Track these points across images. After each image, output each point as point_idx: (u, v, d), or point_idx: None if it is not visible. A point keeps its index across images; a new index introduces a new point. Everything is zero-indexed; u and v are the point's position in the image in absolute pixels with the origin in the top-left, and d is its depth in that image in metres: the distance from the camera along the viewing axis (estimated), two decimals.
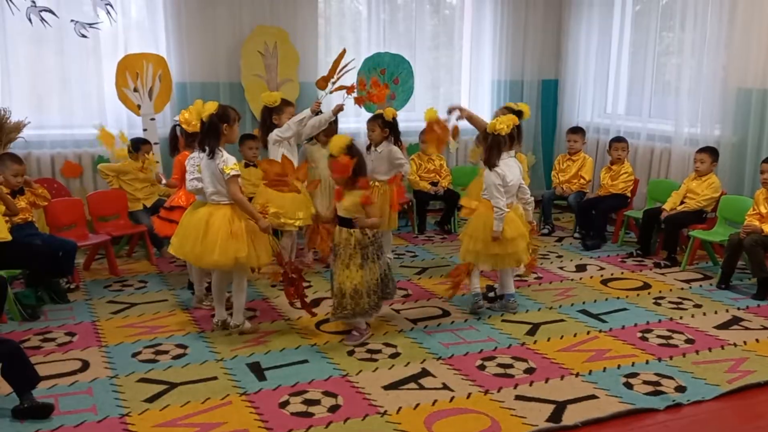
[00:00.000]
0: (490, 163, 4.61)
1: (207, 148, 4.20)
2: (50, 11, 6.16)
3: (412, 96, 7.54)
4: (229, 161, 4.20)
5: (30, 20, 6.10)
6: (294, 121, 5.36)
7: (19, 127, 5.95)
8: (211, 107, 4.19)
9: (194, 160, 4.38)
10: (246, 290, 4.52)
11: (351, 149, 4.16)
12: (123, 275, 5.66)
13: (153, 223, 5.35)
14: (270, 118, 5.49)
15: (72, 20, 6.25)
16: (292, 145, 5.48)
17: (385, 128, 5.68)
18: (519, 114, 4.95)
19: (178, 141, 5.15)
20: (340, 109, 5.47)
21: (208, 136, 4.20)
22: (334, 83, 5.43)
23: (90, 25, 6.32)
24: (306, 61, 7.11)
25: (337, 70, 5.43)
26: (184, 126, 4.57)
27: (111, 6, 6.36)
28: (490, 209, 4.59)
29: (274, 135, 5.35)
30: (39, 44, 6.33)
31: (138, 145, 6.09)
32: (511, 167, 4.71)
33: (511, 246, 4.63)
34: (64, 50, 6.37)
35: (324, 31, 7.33)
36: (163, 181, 5.64)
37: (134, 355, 4.13)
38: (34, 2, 6.10)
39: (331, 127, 5.68)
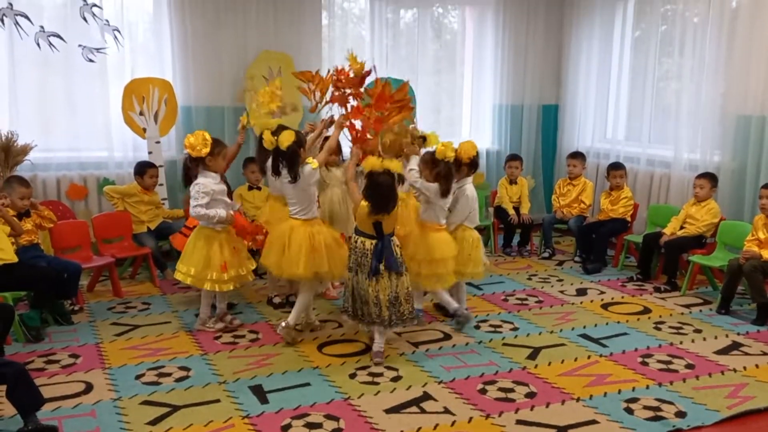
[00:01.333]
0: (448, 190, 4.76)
1: (293, 173, 4.51)
2: (58, 36, 6.26)
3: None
4: (308, 165, 4.54)
5: (38, 45, 6.20)
6: None
7: (26, 150, 6.03)
8: (289, 137, 4.45)
9: (200, 187, 4.55)
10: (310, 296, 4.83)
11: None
12: (126, 297, 5.70)
13: (174, 239, 5.46)
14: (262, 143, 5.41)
15: (80, 45, 6.35)
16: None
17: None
18: (424, 139, 5.04)
19: (191, 171, 4.96)
20: (329, 123, 5.23)
21: (293, 163, 4.50)
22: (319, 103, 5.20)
23: (97, 49, 6.42)
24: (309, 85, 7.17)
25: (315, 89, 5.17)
26: (188, 150, 4.61)
27: (118, 31, 6.47)
28: (426, 229, 4.77)
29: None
30: (46, 68, 6.42)
31: (143, 168, 6.16)
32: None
33: (441, 266, 4.78)
34: (71, 74, 6.46)
35: (327, 55, 7.43)
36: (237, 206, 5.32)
37: (137, 377, 4.15)
38: (42, 27, 6.20)
39: (336, 147, 5.38)
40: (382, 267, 4.28)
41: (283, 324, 4.67)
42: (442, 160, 4.68)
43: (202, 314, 4.96)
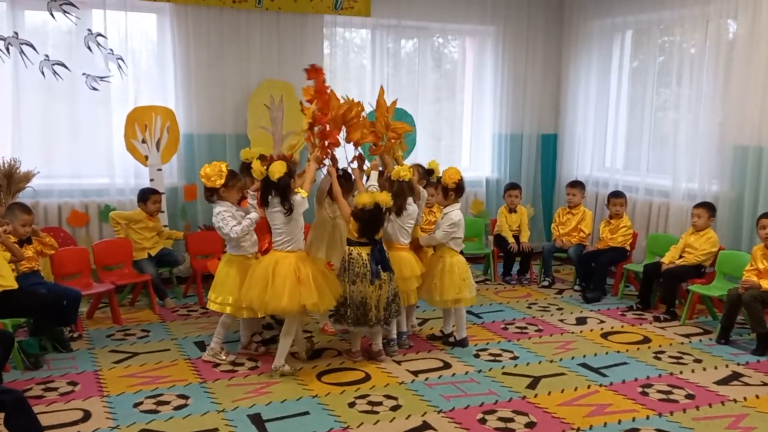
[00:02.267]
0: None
1: (287, 205, 4.49)
2: (63, 65, 6.34)
3: (414, 149, 7.67)
4: (298, 195, 4.55)
5: (43, 73, 6.27)
6: None
7: (28, 177, 6.07)
8: (280, 169, 4.45)
9: (223, 214, 4.71)
10: (293, 334, 4.70)
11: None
12: (126, 324, 5.69)
13: (212, 264, 5.43)
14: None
15: (84, 73, 6.42)
16: None
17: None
18: (430, 173, 5.36)
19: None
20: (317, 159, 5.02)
21: (286, 195, 4.50)
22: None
23: (101, 78, 6.49)
24: None
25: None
26: (203, 180, 4.73)
27: (122, 60, 6.54)
28: (392, 248, 4.94)
29: None
30: (50, 96, 6.48)
31: (146, 195, 6.20)
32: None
33: (407, 284, 4.98)
34: (74, 102, 6.52)
35: (329, 84, 7.44)
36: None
37: (136, 405, 4.14)
38: (47, 56, 6.28)
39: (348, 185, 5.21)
40: (380, 269, 4.62)
41: (274, 367, 4.61)
42: (396, 179, 4.89)
43: (244, 339, 5.01)
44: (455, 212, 5.10)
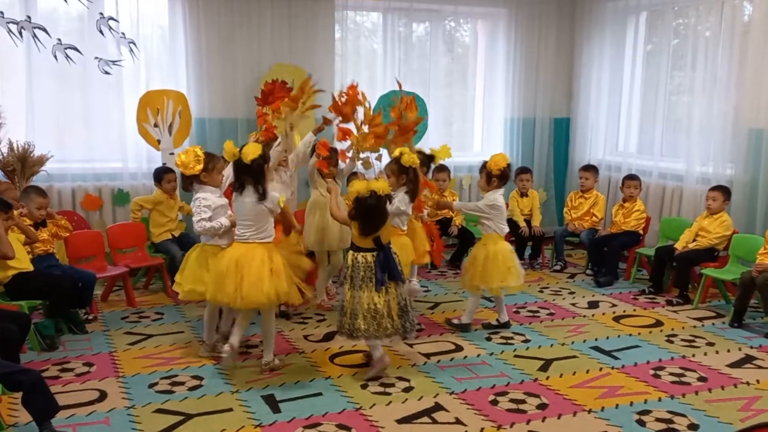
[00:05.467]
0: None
1: (261, 189, 4.25)
2: (75, 49, 6.36)
3: (426, 133, 7.65)
4: (276, 195, 4.36)
5: (55, 57, 6.30)
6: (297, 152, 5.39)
7: (42, 160, 6.12)
8: (254, 150, 4.23)
9: (201, 201, 4.49)
10: (273, 325, 4.52)
11: None
12: (140, 307, 5.74)
13: None
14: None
15: (96, 57, 6.45)
16: (291, 178, 5.50)
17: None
18: (431, 158, 5.34)
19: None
20: (320, 129, 5.31)
21: (259, 178, 4.26)
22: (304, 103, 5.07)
23: (113, 62, 6.51)
24: (322, 98, 7.23)
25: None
26: (181, 169, 4.48)
27: (134, 44, 6.55)
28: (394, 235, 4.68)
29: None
30: (63, 80, 6.52)
31: (161, 175, 6.21)
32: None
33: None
34: (87, 86, 6.56)
35: (340, 68, 7.47)
36: None
37: (151, 385, 4.18)
38: (60, 40, 6.30)
39: (332, 159, 5.38)
40: (386, 277, 4.21)
41: (264, 363, 4.45)
42: (409, 167, 4.81)
43: (208, 340, 4.74)
44: (497, 196, 5.08)
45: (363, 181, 4.24)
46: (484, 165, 5.18)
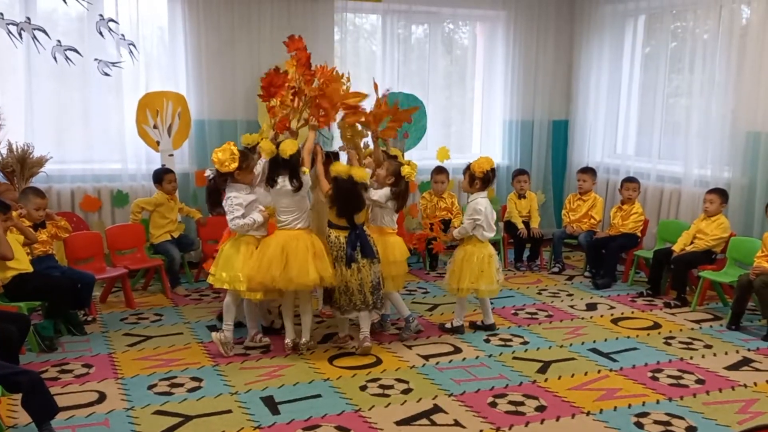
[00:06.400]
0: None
1: (296, 182, 4.52)
2: (75, 50, 6.36)
3: (424, 135, 7.67)
4: (307, 179, 4.61)
5: (55, 58, 6.29)
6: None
7: (41, 162, 6.11)
8: (292, 147, 4.50)
9: (233, 199, 4.58)
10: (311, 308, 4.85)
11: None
12: (139, 308, 5.74)
13: (207, 265, 5.25)
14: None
15: (95, 59, 6.44)
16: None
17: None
18: (393, 159, 5.19)
19: (221, 194, 4.84)
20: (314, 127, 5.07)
21: (296, 173, 4.53)
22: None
23: (113, 63, 6.51)
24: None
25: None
26: (217, 166, 4.55)
27: (134, 45, 6.56)
28: (383, 234, 4.92)
29: None
30: (63, 81, 6.52)
31: (161, 175, 6.22)
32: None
33: (395, 268, 4.95)
34: (86, 87, 6.55)
35: (339, 70, 7.43)
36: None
37: (150, 387, 4.19)
38: (59, 41, 6.30)
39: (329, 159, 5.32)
40: (359, 255, 4.56)
41: (303, 343, 4.72)
42: (403, 177, 4.90)
43: (252, 330, 4.91)
44: (479, 200, 5.08)
45: (345, 165, 4.63)
46: (468, 167, 5.18)
